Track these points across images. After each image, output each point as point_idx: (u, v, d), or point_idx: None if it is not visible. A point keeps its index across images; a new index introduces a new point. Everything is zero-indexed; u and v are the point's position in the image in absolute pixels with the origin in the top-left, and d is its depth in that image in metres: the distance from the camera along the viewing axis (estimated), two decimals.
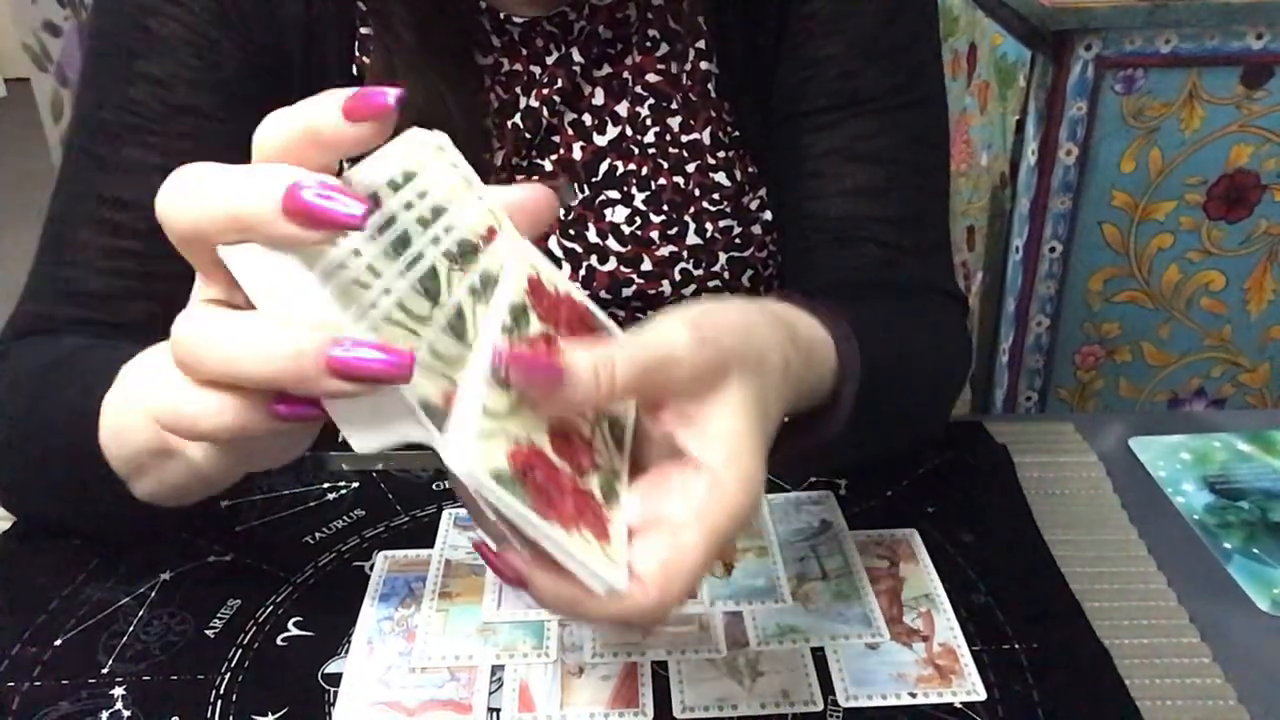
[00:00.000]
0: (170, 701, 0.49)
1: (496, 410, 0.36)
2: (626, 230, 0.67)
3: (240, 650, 0.52)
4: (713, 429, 0.39)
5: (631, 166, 0.67)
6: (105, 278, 0.61)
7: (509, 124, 0.66)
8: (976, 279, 1.48)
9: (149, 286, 0.61)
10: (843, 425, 0.50)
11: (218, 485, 0.48)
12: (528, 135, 0.66)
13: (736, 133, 0.68)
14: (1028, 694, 0.50)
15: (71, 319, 0.61)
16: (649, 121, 0.67)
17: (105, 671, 0.51)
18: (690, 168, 0.68)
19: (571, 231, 0.67)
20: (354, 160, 0.37)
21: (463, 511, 0.61)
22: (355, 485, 0.64)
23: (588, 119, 0.67)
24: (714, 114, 0.68)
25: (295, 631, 0.54)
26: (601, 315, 0.45)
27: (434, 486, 0.64)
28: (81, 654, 0.52)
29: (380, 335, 0.34)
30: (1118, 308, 1.35)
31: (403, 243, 0.36)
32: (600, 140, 0.67)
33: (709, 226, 0.68)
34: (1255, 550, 0.59)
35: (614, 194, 0.67)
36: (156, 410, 0.38)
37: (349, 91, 0.34)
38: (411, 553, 0.58)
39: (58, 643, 0.53)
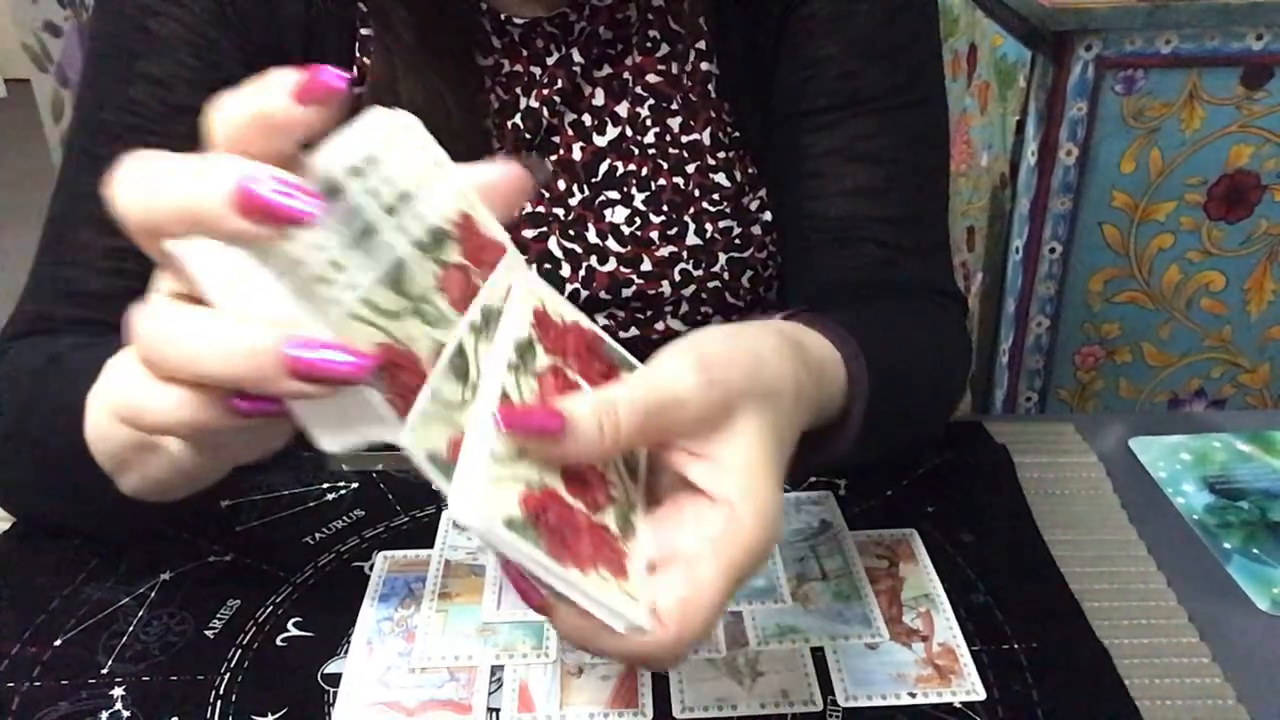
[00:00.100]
0: (170, 701, 0.49)
1: (505, 454, 0.36)
2: (626, 231, 0.67)
3: (240, 650, 0.52)
4: (726, 463, 0.38)
5: (631, 167, 0.67)
6: (105, 278, 0.61)
7: (509, 124, 0.66)
8: (976, 279, 1.48)
9: (149, 286, 0.61)
10: (851, 442, 0.50)
11: (202, 480, 0.47)
12: (528, 136, 0.66)
13: (736, 133, 0.68)
14: (1027, 694, 0.50)
15: (71, 319, 0.61)
16: (649, 122, 0.67)
17: (105, 671, 0.51)
18: (690, 168, 0.68)
19: (571, 232, 0.67)
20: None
21: None
22: (355, 486, 0.64)
23: (588, 119, 0.67)
24: (714, 114, 0.68)
25: (295, 632, 0.54)
26: (610, 341, 0.44)
27: (434, 487, 0.64)
28: (81, 654, 0.52)
29: (344, 333, 0.33)
30: (1118, 308, 1.35)
31: (367, 234, 0.35)
32: (600, 141, 0.67)
33: (709, 227, 0.68)
34: (1255, 550, 0.59)
35: (614, 194, 0.67)
36: (117, 405, 0.37)
37: (298, 73, 0.33)
38: (411, 553, 0.58)
39: (58, 643, 0.53)
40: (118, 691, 0.50)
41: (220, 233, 0.32)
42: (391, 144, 0.38)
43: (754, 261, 0.69)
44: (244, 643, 0.53)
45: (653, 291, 0.68)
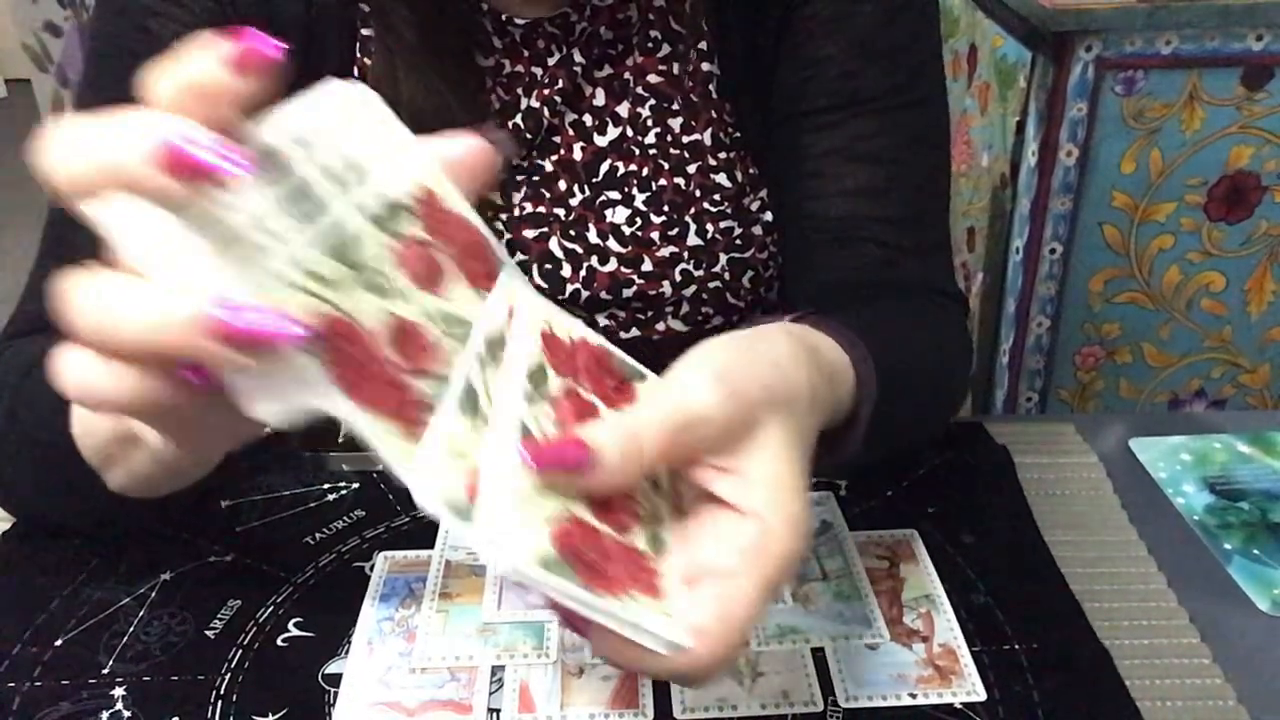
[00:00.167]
0: (170, 702, 0.49)
1: (529, 490, 0.35)
2: (627, 231, 0.67)
3: (240, 650, 0.52)
4: (753, 476, 0.38)
5: (632, 167, 0.67)
6: None
7: (510, 125, 0.66)
8: (977, 280, 1.47)
9: None
10: (859, 444, 0.50)
11: (188, 474, 0.47)
12: (529, 136, 0.66)
13: (737, 134, 0.68)
14: (1028, 694, 0.50)
15: None
16: (650, 122, 0.67)
17: (105, 671, 0.51)
18: (691, 168, 0.68)
19: (572, 232, 0.67)
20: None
21: None
22: (355, 486, 0.64)
23: (589, 120, 0.67)
24: (715, 115, 0.68)
25: (295, 632, 0.54)
26: (618, 352, 0.44)
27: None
28: (81, 654, 0.52)
29: (279, 300, 0.31)
30: (1118, 308, 1.35)
31: (310, 203, 0.34)
32: (601, 141, 0.67)
33: (710, 227, 0.68)
34: (1255, 551, 0.59)
35: (615, 195, 0.67)
36: (65, 384, 0.35)
37: (231, 41, 0.32)
38: (411, 553, 0.58)
39: (58, 643, 0.53)
40: (118, 691, 0.50)
41: (143, 190, 0.31)
42: (346, 116, 0.37)
43: (755, 262, 0.69)
44: (245, 643, 0.53)
45: (653, 292, 0.68)
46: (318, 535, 0.60)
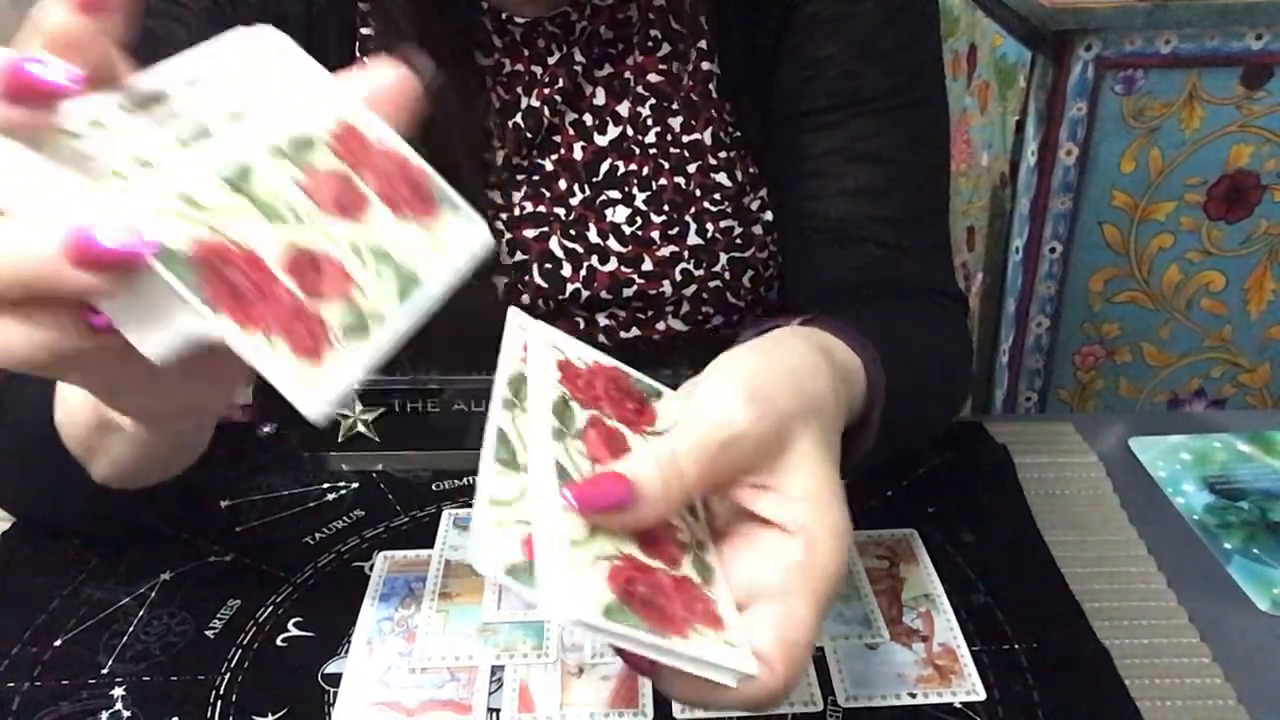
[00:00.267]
0: (170, 701, 0.49)
1: (581, 537, 0.35)
2: (627, 230, 0.67)
3: (240, 650, 0.52)
4: (793, 492, 0.38)
5: (632, 166, 0.67)
6: None
7: (510, 124, 0.66)
8: (976, 279, 1.47)
9: None
10: (871, 446, 0.50)
11: (170, 462, 0.47)
12: (529, 135, 0.66)
13: (737, 133, 0.68)
14: (1028, 694, 0.50)
15: None
16: (650, 121, 0.67)
17: (105, 671, 0.51)
18: (691, 168, 0.68)
19: (572, 231, 0.67)
20: None
21: (462, 512, 0.61)
22: (355, 486, 0.64)
23: (589, 119, 0.67)
24: (715, 114, 0.68)
25: (295, 632, 0.54)
26: (633, 372, 0.44)
27: (434, 487, 0.64)
28: (81, 654, 0.52)
29: (151, 226, 0.31)
30: (1118, 308, 1.35)
31: (197, 137, 0.34)
32: (601, 140, 0.67)
33: (710, 227, 0.68)
34: (1255, 550, 0.59)
35: (615, 194, 0.67)
36: None
37: None
38: (411, 553, 0.58)
39: (58, 643, 0.53)
40: (118, 691, 0.50)
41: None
42: (252, 60, 0.37)
43: (755, 261, 0.69)
44: (244, 643, 0.53)
45: (654, 291, 0.68)
46: (317, 535, 0.60)
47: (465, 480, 0.64)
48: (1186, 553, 0.59)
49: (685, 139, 0.67)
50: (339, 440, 0.64)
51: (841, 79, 0.65)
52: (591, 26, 0.65)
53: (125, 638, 0.53)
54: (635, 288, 0.67)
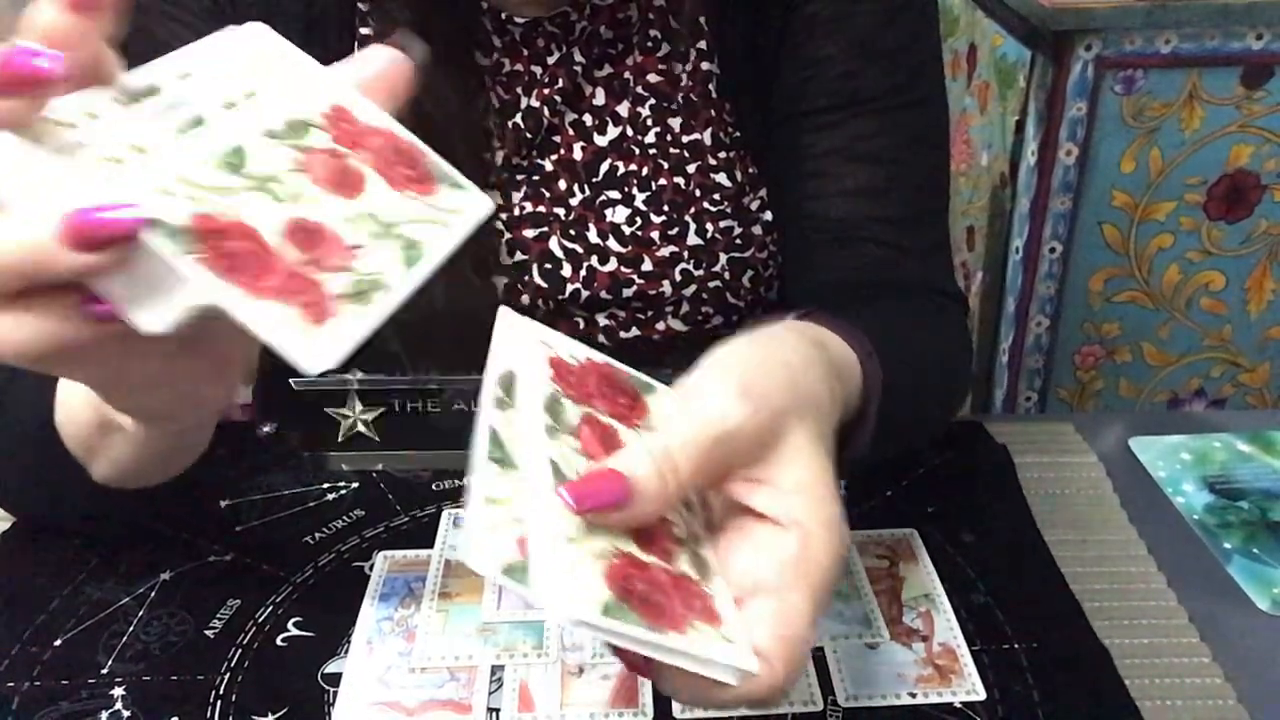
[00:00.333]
0: (170, 701, 0.49)
1: (576, 535, 0.35)
2: (627, 230, 0.67)
3: (240, 650, 0.52)
4: (786, 485, 0.38)
5: (632, 167, 0.67)
6: None
7: (510, 124, 0.66)
8: (976, 279, 1.47)
9: None
10: (867, 442, 0.50)
11: (170, 461, 0.47)
12: (528, 135, 0.66)
13: (737, 133, 0.68)
14: (1028, 694, 0.50)
15: None
16: (650, 122, 0.67)
17: (105, 671, 0.51)
18: (691, 168, 0.68)
19: (572, 232, 0.67)
20: None
21: (462, 511, 0.61)
22: (355, 485, 0.64)
23: (588, 119, 0.67)
24: (715, 114, 0.68)
25: (295, 631, 0.54)
26: (623, 367, 0.44)
27: (434, 486, 0.64)
28: (81, 654, 0.52)
29: (148, 205, 0.31)
30: (1118, 308, 1.35)
31: (193, 124, 0.34)
32: (601, 140, 0.67)
33: (709, 227, 0.68)
34: (1255, 550, 0.59)
35: (615, 194, 0.67)
36: None
37: None
38: (411, 553, 0.58)
39: (58, 643, 0.53)
40: (118, 691, 0.50)
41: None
42: (243, 53, 0.38)
43: (755, 261, 0.69)
44: (244, 643, 0.53)
45: (653, 291, 0.68)
46: (317, 535, 0.60)
47: (465, 480, 0.64)
48: (1186, 553, 0.59)
49: (685, 139, 0.67)
50: (339, 440, 0.64)
51: (841, 79, 0.65)
52: (591, 26, 0.65)
53: (125, 638, 0.53)
54: (635, 288, 0.67)
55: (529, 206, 0.67)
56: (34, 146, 0.31)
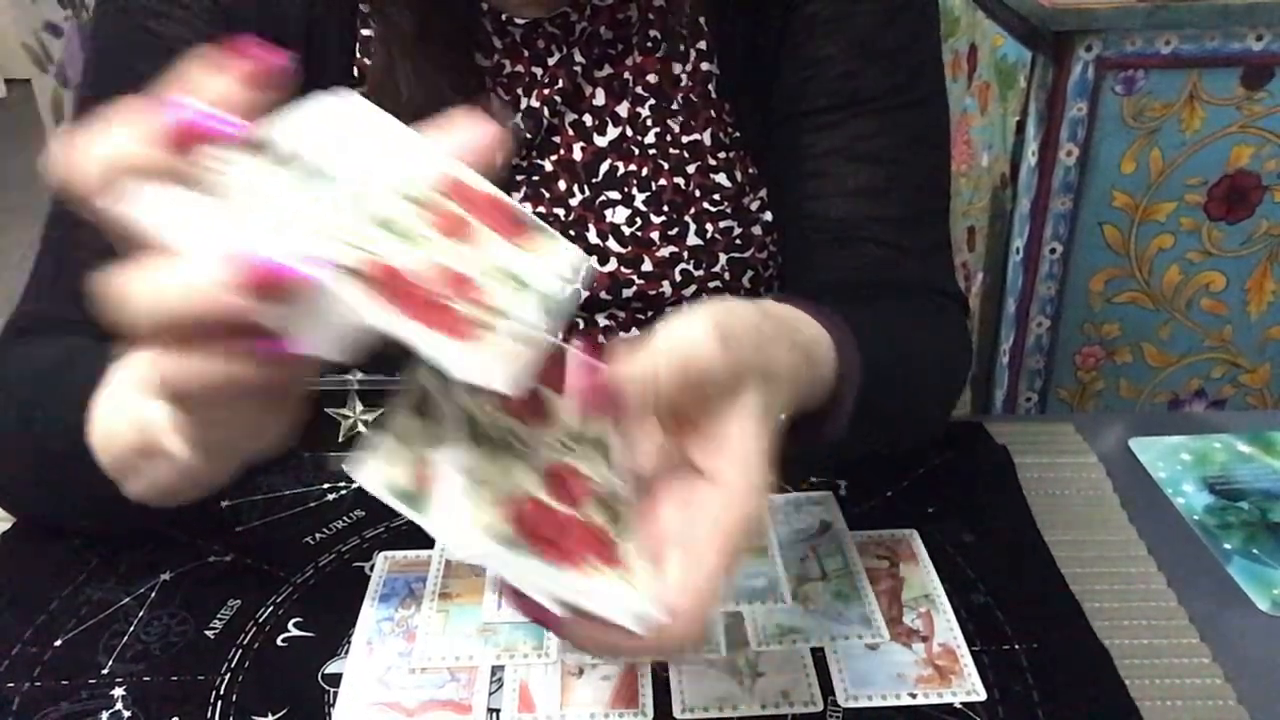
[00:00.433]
0: (170, 701, 0.49)
1: (479, 470, 0.35)
2: (627, 231, 0.67)
3: (240, 650, 0.52)
4: (726, 442, 0.39)
5: (632, 167, 0.67)
6: None
7: (510, 124, 0.66)
8: (977, 279, 1.47)
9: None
10: (844, 426, 0.50)
11: (207, 486, 0.47)
12: (528, 136, 0.66)
13: (737, 133, 0.68)
14: (1028, 694, 0.50)
15: (72, 319, 0.60)
16: (649, 122, 0.67)
17: (105, 671, 0.51)
18: (691, 168, 0.68)
19: (572, 232, 0.67)
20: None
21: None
22: (355, 486, 0.64)
23: (588, 120, 0.67)
24: (714, 115, 0.68)
25: (295, 632, 0.54)
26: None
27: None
28: (81, 654, 0.52)
29: (314, 250, 0.33)
30: (1118, 308, 1.35)
31: (330, 186, 0.35)
32: (601, 141, 0.67)
33: (709, 227, 0.68)
34: (1255, 551, 0.59)
35: (614, 194, 0.67)
36: (136, 379, 0.37)
37: (238, 56, 0.34)
38: (411, 553, 0.58)
39: (58, 643, 0.53)
40: (118, 691, 0.50)
41: (154, 170, 0.32)
42: (348, 120, 0.38)
43: (754, 262, 0.69)
44: (244, 643, 0.53)
45: (653, 292, 0.68)
46: (318, 535, 0.60)
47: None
48: (1186, 553, 0.59)
49: (685, 139, 0.68)
50: (339, 440, 0.64)
51: (841, 79, 0.65)
52: (591, 27, 0.65)
53: (125, 638, 0.53)
54: (635, 288, 0.67)
55: (529, 207, 0.67)
56: (202, 197, 0.32)
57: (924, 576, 0.56)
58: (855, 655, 0.51)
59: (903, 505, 0.62)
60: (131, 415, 0.40)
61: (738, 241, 0.68)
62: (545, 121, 0.66)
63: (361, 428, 0.64)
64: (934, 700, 0.49)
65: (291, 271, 0.32)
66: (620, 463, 0.42)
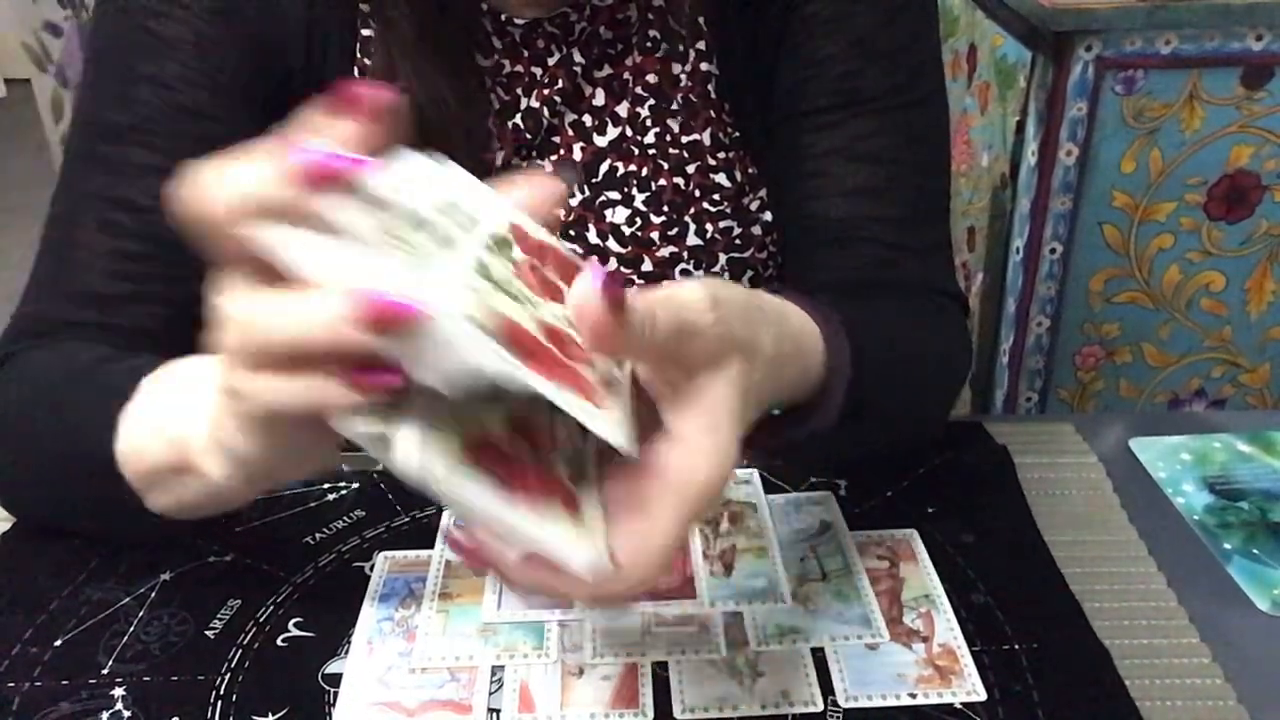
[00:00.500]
0: (170, 701, 0.49)
1: (449, 409, 0.36)
2: (627, 231, 0.67)
3: (240, 650, 0.52)
4: (699, 405, 0.39)
5: (632, 167, 0.67)
6: (107, 280, 0.61)
7: (510, 125, 0.66)
8: (977, 279, 1.48)
9: (151, 289, 0.61)
10: (833, 419, 0.50)
11: (232, 503, 0.48)
12: (528, 136, 0.66)
13: (737, 133, 0.68)
14: (1028, 694, 0.50)
15: (73, 321, 0.61)
16: (649, 122, 0.67)
17: (105, 671, 0.51)
18: (690, 168, 0.68)
19: (572, 232, 0.67)
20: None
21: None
22: (355, 486, 0.64)
23: (588, 120, 0.67)
24: (714, 115, 0.68)
25: (295, 632, 0.54)
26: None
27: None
28: (81, 654, 0.52)
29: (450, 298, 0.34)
30: (1118, 308, 1.35)
31: (435, 235, 0.37)
32: (600, 141, 0.67)
33: (709, 227, 0.68)
34: (1255, 550, 0.59)
35: (614, 195, 0.67)
36: (230, 393, 0.38)
37: (346, 98, 0.35)
38: (411, 553, 0.58)
39: (58, 643, 0.53)
40: (118, 691, 0.50)
41: (286, 208, 0.34)
42: (430, 171, 0.40)
43: (754, 261, 0.69)
44: (244, 643, 0.53)
45: None
46: (318, 535, 0.60)
47: None
48: (1186, 553, 0.59)
49: (684, 139, 0.68)
50: (338, 442, 0.64)
51: (841, 79, 0.65)
52: (591, 27, 0.65)
53: (125, 638, 0.53)
54: (635, 289, 0.67)
55: None
56: (320, 233, 0.35)
57: (924, 576, 0.56)
58: (855, 655, 0.51)
59: (903, 505, 0.62)
60: (182, 432, 0.42)
61: (737, 241, 0.68)
62: (545, 122, 0.66)
63: None
64: (934, 700, 0.49)
65: (416, 309, 0.33)
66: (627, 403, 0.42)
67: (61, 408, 0.54)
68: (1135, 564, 0.58)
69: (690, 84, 0.67)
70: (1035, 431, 0.69)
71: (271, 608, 0.55)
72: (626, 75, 0.67)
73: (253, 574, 0.57)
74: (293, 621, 0.54)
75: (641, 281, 0.67)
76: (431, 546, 0.59)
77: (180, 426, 0.45)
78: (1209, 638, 0.53)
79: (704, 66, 0.67)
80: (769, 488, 0.63)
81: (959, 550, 0.58)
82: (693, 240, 0.68)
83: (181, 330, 0.62)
